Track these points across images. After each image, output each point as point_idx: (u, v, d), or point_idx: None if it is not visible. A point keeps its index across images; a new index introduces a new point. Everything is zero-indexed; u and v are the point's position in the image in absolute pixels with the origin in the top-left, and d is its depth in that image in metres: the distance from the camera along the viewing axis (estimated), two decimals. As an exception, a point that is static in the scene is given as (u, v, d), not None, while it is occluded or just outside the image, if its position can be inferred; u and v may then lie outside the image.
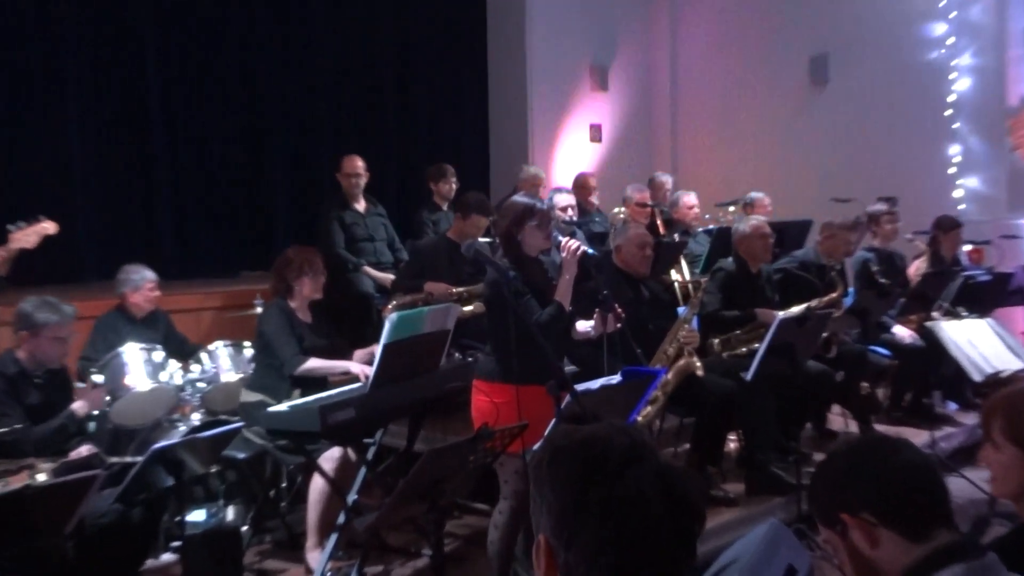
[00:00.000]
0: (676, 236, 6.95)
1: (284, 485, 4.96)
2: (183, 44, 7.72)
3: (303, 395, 4.34)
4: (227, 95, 7.93)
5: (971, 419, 6.22)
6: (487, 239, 6.25)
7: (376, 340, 4.06)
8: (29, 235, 4.31)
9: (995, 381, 5.72)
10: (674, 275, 6.48)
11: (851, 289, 6.30)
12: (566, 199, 6.25)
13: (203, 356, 5.12)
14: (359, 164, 6.58)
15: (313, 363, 4.46)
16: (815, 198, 8.02)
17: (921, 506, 1.64)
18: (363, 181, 6.58)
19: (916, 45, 8.54)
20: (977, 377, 5.86)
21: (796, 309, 5.32)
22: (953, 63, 8.38)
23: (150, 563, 4.25)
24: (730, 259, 5.57)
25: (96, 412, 4.51)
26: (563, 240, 3.80)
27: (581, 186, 7.65)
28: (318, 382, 4.52)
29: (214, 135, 7.86)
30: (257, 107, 8.11)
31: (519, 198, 3.90)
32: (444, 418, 4.80)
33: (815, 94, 9.20)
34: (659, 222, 7.03)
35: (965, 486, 5.09)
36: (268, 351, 4.53)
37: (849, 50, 8.91)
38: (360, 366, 4.45)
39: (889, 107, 8.67)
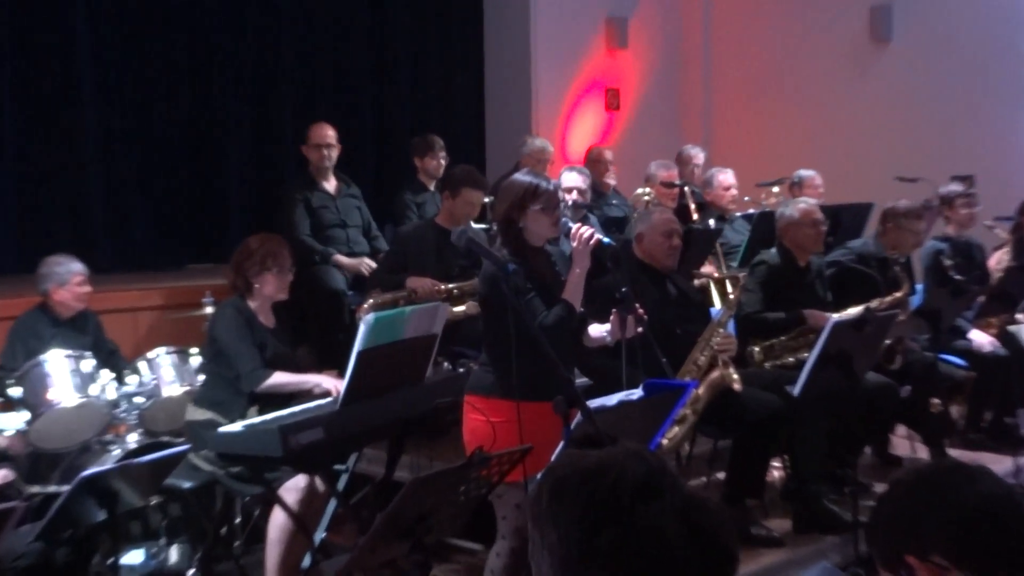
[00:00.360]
0: (711, 222, 6.95)
1: (238, 521, 4.96)
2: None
3: (261, 413, 4.34)
4: (170, 55, 7.92)
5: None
6: (482, 225, 6.26)
7: (348, 348, 4.05)
8: None
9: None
10: (707, 269, 6.47)
11: (919, 286, 6.30)
12: (575, 179, 6.27)
13: (141, 365, 5.11)
14: (330, 133, 6.59)
15: (279, 378, 4.47)
16: (876, 177, 8.02)
17: (1003, 547, 1.63)
18: (335, 154, 6.58)
19: (998, -7, 8.56)
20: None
21: (853, 311, 5.31)
22: (1042, 15, 8.39)
23: (77, 614, 4.25)
24: (774, 250, 5.57)
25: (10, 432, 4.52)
26: (574, 227, 3.80)
27: (595, 162, 7.65)
28: (280, 398, 4.51)
29: (155, 102, 7.85)
30: (206, 69, 8.10)
31: (521, 176, 3.90)
32: (430, 440, 4.80)
33: (876, 53, 9.20)
34: (690, 205, 7.04)
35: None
36: (220, 360, 4.54)
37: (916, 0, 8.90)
38: (334, 380, 4.46)
39: (964, 68, 8.66)
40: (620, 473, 1.26)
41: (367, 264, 6.33)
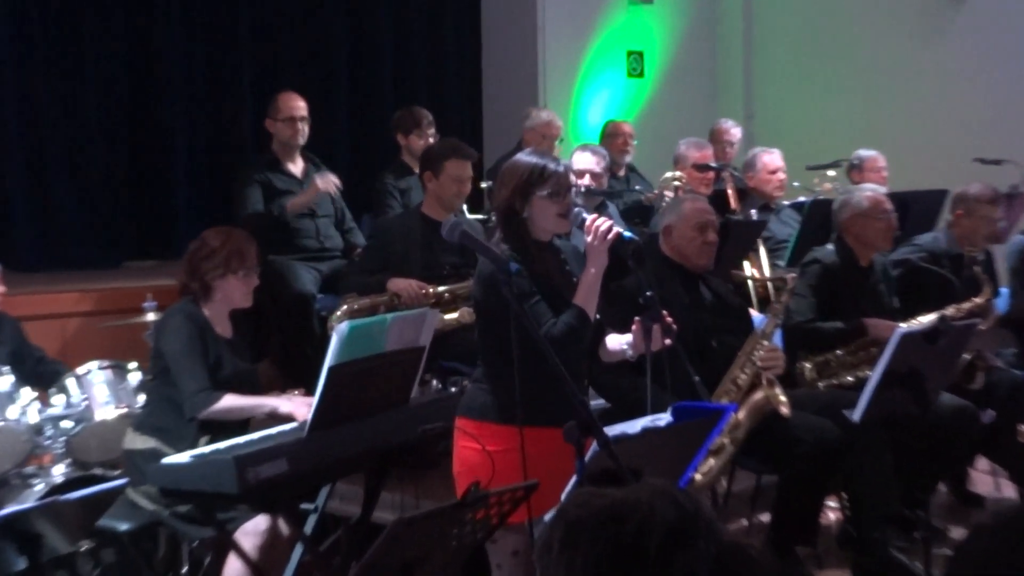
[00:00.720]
0: (753, 213, 6.95)
1: (185, 570, 4.95)
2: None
3: (214, 441, 4.34)
4: (105, 10, 7.93)
5: None
6: (479, 216, 6.26)
7: (318, 364, 4.05)
8: None
9: None
10: (748, 269, 6.48)
11: (1003, 290, 6.29)
12: (588, 160, 6.27)
13: (70, 383, 5.11)
14: (301, 104, 6.60)
15: (229, 401, 4.47)
16: (950, 159, 8.03)
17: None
18: (307, 130, 6.58)
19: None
20: None
21: (924, 319, 5.31)
22: None
23: None
24: (830, 247, 5.58)
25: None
26: (589, 218, 3.80)
27: (611, 136, 7.68)
28: (237, 425, 4.52)
29: (85, 66, 7.86)
30: (148, 28, 8.11)
31: (524, 157, 3.91)
32: (416, 474, 4.81)
33: (950, 12, 9.20)
34: (730, 192, 7.05)
35: None
36: (166, 378, 4.55)
37: (1001, -53, 8.94)
38: (297, 403, 4.45)
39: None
40: (646, 516, 1.26)
41: (333, 182, 6.28)
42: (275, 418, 4.47)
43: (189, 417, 4.45)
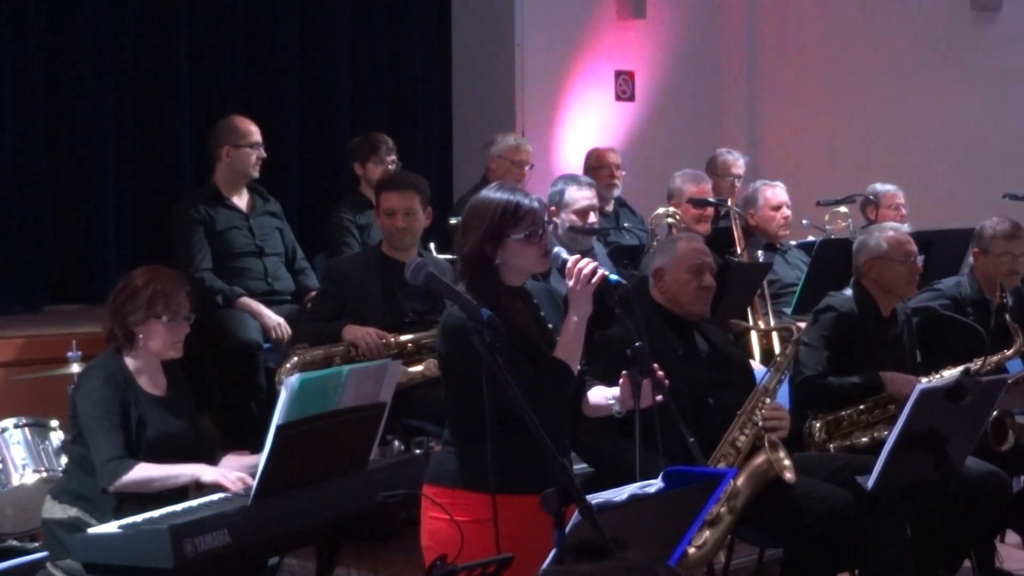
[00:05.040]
0: (760, 254, 6.99)
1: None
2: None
3: (144, 509, 4.33)
4: (22, 21, 7.91)
5: None
6: (448, 256, 6.28)
7: (264, 422, 4.06)
8: None
9: None
10: (751, 318, 6.51)
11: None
12: (587, 196, 6.25)
13: (-18, 443, 5.10)
14: (256, 130, 6.61)
15: (143, 471, 4.41)
16: (977, 193, 8.10)
17: None
18: (262, 159, 6.61)
19: None
20: None
21: (948, 373, 5.34)
22: None
23: None
24: (848, 292, 5.60)
25: None
26: (571, 260, 3.81)
27: (597, 168, 7.69)
28: (170, 491, 4.50)
29: (4, 92, 7.83)
30: (71, 41, 8.09)
31: (491, 194, 3.90)
32: (375, 547, 4.78)
33: (978, 28, 9.27)
34: (736, 231, 7.08)
35: None
36: (86, 440, 4.53)
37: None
38: (227, 467, 4.43)
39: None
40: None
41: (284, 329, 6.26)
42: (202, 488, 4.43)
43: (101, 489, 4.43)
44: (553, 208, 6.10)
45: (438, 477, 3.86)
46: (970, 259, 6.18)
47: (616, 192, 7.82)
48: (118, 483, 4.40)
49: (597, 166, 7.78)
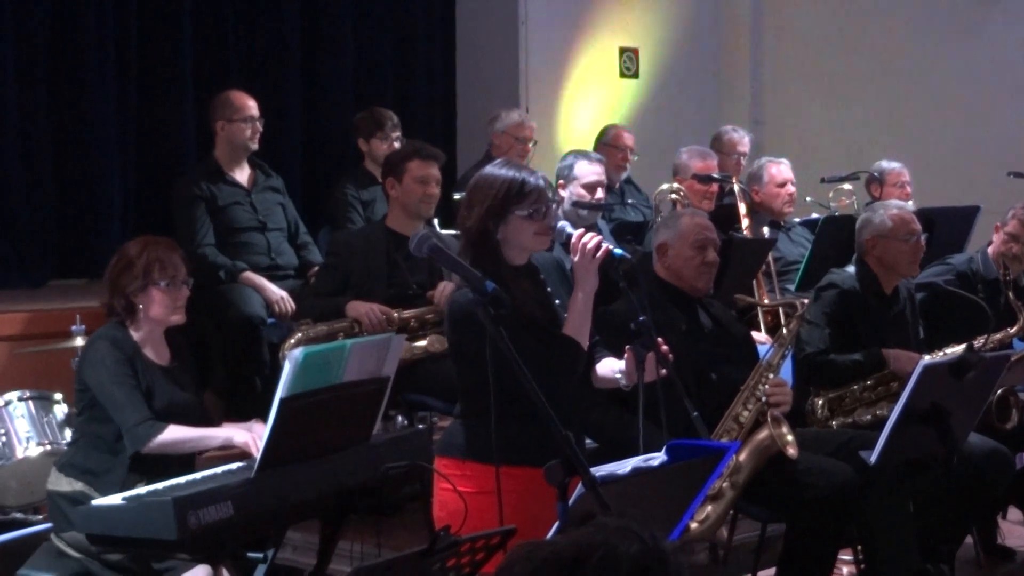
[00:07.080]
0: (766, 230, 7.02)
1: (115, 629, 4.96)
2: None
3: (149, 483, 4.35)
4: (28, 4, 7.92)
5: None
6: (452, 231, 6.29)
7: (268, 396, 4.08)
8: None
9: None
10: (755, 293, 6.52)
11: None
12: (596, 171, 6.25)
13: (-15, 416, 5.12)
14: (252, 104, 6.63)
15: (175, 433, 4.44)
16: (982, 171, 8.10)
17: None
18: (258, 133, 6.62)
19: None
20: None
21: (951, 350, 5.36)
22: None
23: None
24: (850, 270, 5.62)
25: None
26: (575, 234, 3.83)
27: (611, 148, 7.70)
28: (177, 464, 4.50)
29: (6, 65, 7.84)
30: (72, 16, 8.10)
31: (495, 170, 3.93)
32: (379, 520, 4.78)
33: (983, 8, 9.27)
34: (740, 207, 7.10)
35: None
36: (94, 413, 4.53)
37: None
38: (253, 432, 4.43)
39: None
40: (607, 555, 1.26)
41: (287, 303, 6.28)
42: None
43: (133, 452, 4.45)
44: (561, 182, 6.12)
45: (448, 448, 3.89)
46: (992, 237, 6.15)
47: (624, 175, 7.82)
48: (151, 444, 4.39)
49: (612, 144, 7.77)
